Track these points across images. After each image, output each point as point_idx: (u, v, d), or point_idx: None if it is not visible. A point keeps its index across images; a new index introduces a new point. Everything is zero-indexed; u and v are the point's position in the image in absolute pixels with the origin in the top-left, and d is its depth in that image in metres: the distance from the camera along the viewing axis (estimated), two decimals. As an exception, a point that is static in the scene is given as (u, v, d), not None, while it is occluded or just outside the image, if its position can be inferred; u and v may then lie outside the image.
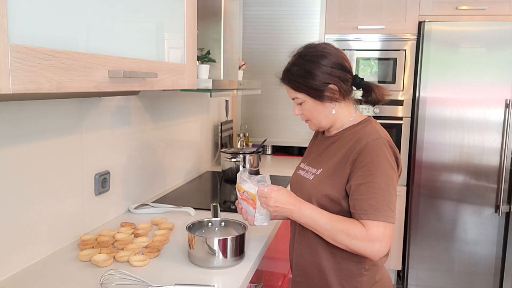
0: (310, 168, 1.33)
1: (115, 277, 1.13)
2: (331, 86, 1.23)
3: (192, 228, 1.33)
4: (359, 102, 1.33)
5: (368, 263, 1.23)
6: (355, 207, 1.17)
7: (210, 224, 1.39)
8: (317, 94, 1.24)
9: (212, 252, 1.22)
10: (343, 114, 1.30)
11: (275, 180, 2.35)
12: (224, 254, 1.23)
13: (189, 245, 1.26)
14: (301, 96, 1.26)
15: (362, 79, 1.30)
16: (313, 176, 1.29)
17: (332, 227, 1.16)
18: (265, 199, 1.21)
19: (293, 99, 1.30)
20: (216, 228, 1.39)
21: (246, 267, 1.25)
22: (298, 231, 1.33)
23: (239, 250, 1.27)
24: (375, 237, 1.12)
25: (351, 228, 1.14)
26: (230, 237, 1.25)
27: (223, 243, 1.23)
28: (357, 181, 1.17)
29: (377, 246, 1.12)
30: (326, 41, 1.32)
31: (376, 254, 1.14)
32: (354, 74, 1.29)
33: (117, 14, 1.03)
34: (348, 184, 1.19)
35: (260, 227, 1.56)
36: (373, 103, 1.31)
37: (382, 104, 1.34)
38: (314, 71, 1.23)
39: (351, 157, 1.20)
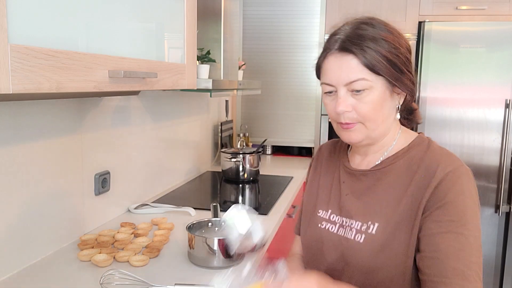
0: (348, 220, 0.91)
1: (115, 277, 1.13)
2: (410, 76, 0.89)
3: (192, 228, 1.33)
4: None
5: None
6: (427, 270, 0.79)
7: (210, 224, 1.39)
8: (399, 76, 0.86)
9: (212, 252, 1.22)
10: (394, 128, 0.93)
11: (275, 180, 2.36)
12: (224, 254, 1.23)
13: (189, 245, 1.26)
14: (372, 79, 0.85)
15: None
16: (363, 236, 0.87)
17: None
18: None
19: (349, 83, 0.86)
20: (216, 228, 1.39)
21: (247, 266, 1.25)
22: None
23: (240, 250, 1.27)
24: None
25: None
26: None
27: (223, 243, 1.22)
28: (431, 229, 0.80)
29: None
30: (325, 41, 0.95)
31: None
32: None
33: (117, 14, 1.03)
34: (418, 236, 0.82)
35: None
36: (412, 124, 1.01)
37: None
38: (399, 46, 0.87)
39: (424, 197, 0.83)
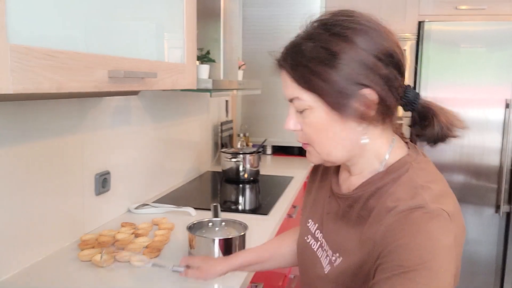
0: (325, 244, 0.83)
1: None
2: (366, 91, 0.70)
3: (193, 228, 1.33)
4: (410, 137, 0.80)
5: None
6: None
7: (210, 224, 1.39)
8: (339, 100, 0.70)
9: (213, 252, 1.22)
10: (375, 150, 0.76)
11: (275, 180, 2.35)
12: (225, 254, 1.23)
13: (190, 245, 1.26)
14: (308, 98, 0.72)
15: (418, 94, 0.78)
16: (329, 267, 0.79)
17: None
18: None
19: (290, 100, 0.76)
20: (217, 228, 1.39)
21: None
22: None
23: (240, 250, 1.27)
24: None
25: None
26: (231, 237, 1.25)
27: (223, 243, 1.22)
28: (376, 278, 0.66)
29: None
30: None
31: None
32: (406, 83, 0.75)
33: (117, 14, 1.03)
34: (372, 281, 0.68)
35: (260, 227, 1.56)
36: (433, 140, 0.78)
37: None
38: (343, 55, 0.69)
39: (376, 238, 0.69)
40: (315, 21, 0.76)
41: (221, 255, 1.22)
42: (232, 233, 1.35)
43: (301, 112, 0.74)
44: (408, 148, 0.79)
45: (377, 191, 0.73)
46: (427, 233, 0.64)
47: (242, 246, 1.28)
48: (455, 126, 0.77)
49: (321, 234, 0.85)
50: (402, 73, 0.74)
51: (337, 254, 0.78)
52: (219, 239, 1.22)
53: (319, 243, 0.85)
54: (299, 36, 0.75)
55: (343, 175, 0.84)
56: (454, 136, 0.76)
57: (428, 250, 0.62)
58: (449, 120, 0.77)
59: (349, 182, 0.81)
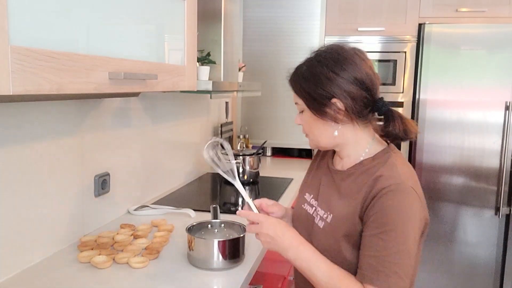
0: (318, 208, 1.12)
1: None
2: (334, 101, 1.02)
3: (192, 229, 1.33)
4: (377, 131, 1.10)
5: None
6: (359, 262, 0.97)
7: (209, 225, 1.39)
8: (316, 106, 1.04)
9: (212, 254, 1.22)
10: (354, 141, 1.07)
11: (275, 182, 2.35)
12: (224, 255, 1.23)
13: (189, 247, 1.26)
14: (300, 103, 1.09)
15: (386, 104, 1.06)
16: (323, 223, 1.08)
17: (329, 283, 0.97)
18: (257, 226, 1.05)
19: (296, 103, 1.12)
20: (216, 230, 1.39)
21: (246, 268, 1.25)
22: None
23: (239, 251, 1.27)
24: None
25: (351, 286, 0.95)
26: (230, 238, 1.25)
27: (222, 245, 1.22)
28: (365, 232, 0.97)
29: None
30: (325, 43, 1.09)
31: None
32: (379, 97, 1.06)
33: (117, 15, 1.03)
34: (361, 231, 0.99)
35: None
36: (392, 137, 1.05)
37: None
38: (321, 76, 1.02)
39: (364, 204, 0.98)
40: (314, 51, 1.08)
41: (220, 257, 1.22)
42: (231, 235, 1.35)
43: (301, 112, 1.11)
44: (388, 145, 1.09)
45: (367, 171, 1.03)
46: (403, 203, 0.94)
47: (242, 247, 1.28)
48: (410, 131, 1.03)
49: (316, 201, 1.14)
50: (371, 91, 1.03)
51: (328, 213, 1.07)
52: (218, 241, 1.22)
53: (314, 208, 1.14)
54: (302, 61, 1.09)
55: (337, 158, 1.15)
56: (409, 139, 1.04)
57: (402, 216, 0.93)
58: (403, 126, 1.03)
59: (342, 163, 1.12)
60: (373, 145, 1.07)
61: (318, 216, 1.11)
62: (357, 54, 1.04)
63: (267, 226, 1.04)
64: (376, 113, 1.07)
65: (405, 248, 0.93)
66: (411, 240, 0.94)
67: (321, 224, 1.08)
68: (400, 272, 0.92)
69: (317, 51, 1.08)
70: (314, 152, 1.34)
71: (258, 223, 1.05)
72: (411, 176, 1.01)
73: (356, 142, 1.07)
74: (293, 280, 1.31)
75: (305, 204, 1.18)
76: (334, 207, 1.07)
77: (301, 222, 1.17)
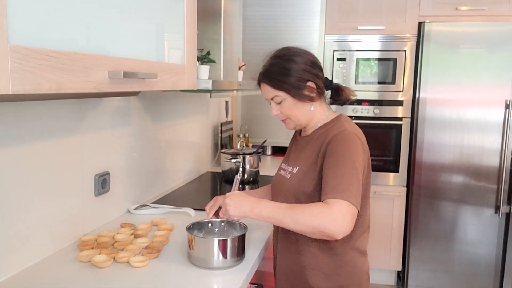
0: (288, 167, 1.38)
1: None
2: (309, 83, 1.28)
3: (192, 228, 1.33)
4: (330, 102, 1.41)
5: (345, 255, 1.29)
6: (322, 191, 1.20)
7: (210, 224, 1.39)
8: (297, 91, 1.28)
9: (212, 253, 1.22)
10: (318, 112, 1.35)
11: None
12: (224, 255, 1.23)
13: (189, 246, 1.26)
14: (281, 94, 1.29)
15: (331, 80, 1.39)
16: (290, 174, 1.35)
17: (294, 211, 1.16)
18: (225, 210, 1.24)
19: (272, 98, 1.32)
20: (216, 229, 1.39)
21: (246, 267, 1.25)
22: (280, 234, 1.39)
23: (239, 250, 1.27)
24: (336, 211, 1.12)
25: (313, 207, 1.15)
26: (230, 237, 1.25)
27: (223, 244, 1.22)
28: (324, 168, 1.23)
29: (339, 222, 1.11)
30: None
31: (338, 231, 1.11)
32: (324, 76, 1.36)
33: (117, 15, 1.03)
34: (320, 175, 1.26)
35: (259, 227, 1.57)
36: (342, 103, 1.39)
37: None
38: (292, 68, 1.28)
39: (321, 151, 1.27)
40: (273, 55, 1.34)
41: (220, 256, 1.22)
42: (231, 234, 1.35)
43: (279, 103, 1.32)
44: (340, 114, 1.38)
45: (326, 130, 1.32)
46: (349, 143, 1.24)
47: (242, 246, 1.28)
48: (352, 95, 1.39)
49: (286, 165, 1.41)
50: (322, 71, 1.34)
51: (295, 166, 1.35)
52: (218, 240, 1.22)
53: (285, 170, 1.40)
54: (266, 65, 1.34)
55: (302, 132, 1.43)
56: (351, 100, 1.39)
57: (349, 151, 1.22)
58: (348, 93, 1.38)
59: (306, 133, 1.40)
60: (328, 115, 1.37)
61: (286, 171, 1.38)
62: (299, 48, 1.33)
63: (229, 197, 1.24)
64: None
65: (354, 173, 1.19)
66: (358, 169, 1.21)
67: (288, 175, 1.36)
68: (353, 190, 1.16)
69: (273, 55, 1.33)
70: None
71: (225, 208, 1.24)
72: (356, 130, 1.30)
73: (319, 114, 1.36)
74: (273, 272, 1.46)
75: (281, 170, 1.43)
76: (300, 160, 1.35)
77: (276, 185, 1.41)
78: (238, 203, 1.22)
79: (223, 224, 1.40)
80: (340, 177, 1.17)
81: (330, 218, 1.11)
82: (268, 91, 1.32)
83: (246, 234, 1.30)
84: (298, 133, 1.46)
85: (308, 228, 1.14)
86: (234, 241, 1.25)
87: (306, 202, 1.23)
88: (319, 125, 1.36)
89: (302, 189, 1.28)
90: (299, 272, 1.32)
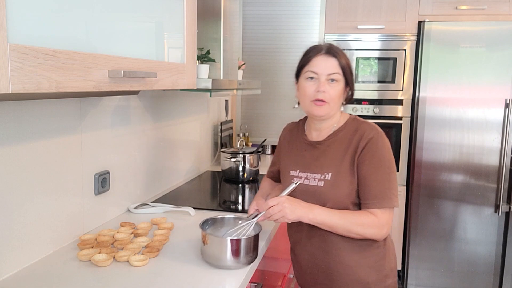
0: (311, 174, 1.35)
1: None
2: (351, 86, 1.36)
3: (206, 223, 1.33)
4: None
5: (380, 244, 1.36)
6: (363, 197, 1.28)
7: (225, 220, 1.39)
8: (350, 83, 1.34)
9: (225, 250, 1.21)
10: (338, 113, 1.38)
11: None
12: (235, 254, 1.22)
13: (203, 241, 1.25)
14: (341, 77, 1.31)
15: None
16: (323, 182, 1.32)
17: (347, 221, 1.25)
18: (280, 210, 1.24)
19: (330, 74, 1.30)
20: (230, 226, 1.37)
21: (246, 267, 1.25)
22: (307, 234, 1.39)
23: (253, 251, 1.26)
24: (384, 222, 1.26)
25: (364, 218, 1.26)
26: (244, 237, 1.24)
27: (236, 244, 1.22)
28: (363, 173, 1.27)
29: (385, 230, 1.28)
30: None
31: (383, 236, 1.30)
32: None
33: (116, 14, 1.03)
34: (358, 175, 1.29)
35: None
36: (346, 102, 1.42)
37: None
38: (352, 66, 1.36)
39: (357, 153, 1.29)
40: (326, 42, 1.36)
41: (231, 255, 1.22)
42: (245, 232, 1.32)
43: (331, 82, 1.30)
44: (350, 114, 1.41)
45: (352, 131, 1.33)
46: (384, 147, 1.29)
47: (255, 246, 1.27)
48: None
49: (304, 172, 1.37)
50: None
51: (325, 173, 1.33)
52: (231, 239, 1.21)
53: (308, 178, 1.36)
54: (334, 45, 1.34)
55: (312, 134, 1.41)
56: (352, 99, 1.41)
57: (387, 154, 1.29)
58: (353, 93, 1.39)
59: (321, 136, 1.38)
60: (340, 118, 1.38)
61: (315, 179, 1.34)
62: None
63: (287, 201, 1.24)
64: None
65: (393, 176, 1.28)
66: (394, 170, 1.30)
67: (321, 183, 1.33)
68: (395, 193, 1.27)
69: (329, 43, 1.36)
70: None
71: (275, 205, 1.24)
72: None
73: (337, 114, 1.37)
74: (293, 278, 1.40)
75: (294, 178, 1.39)
76: (327, 166, 1.33)
77: (305, 195, 1.34)
78: (294, 207, 1.24)
79: (237, 219, 1.39)
80: (383, 182, 1.26)
81: (378, 229, 1.26)
82: (334, 65, 1.30)
83: (259, 233, 1.29)
84: (300, 134, 1.45)
85: (356, 235, 1.27)
86: (248, 241, 1.24)
87: (346, 204, 1.29)
88: (336, 126, 1.36)
89: (344, 194, 1.29)
90: (348, 272, 1.33)
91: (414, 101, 2.90)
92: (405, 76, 2.92)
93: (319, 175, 1.34)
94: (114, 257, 1.27)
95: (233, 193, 2.16)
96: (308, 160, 1.38)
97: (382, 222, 1.26)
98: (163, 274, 1.19)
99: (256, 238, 1.27)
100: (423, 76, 2.81)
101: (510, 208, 2.79)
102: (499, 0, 2.78)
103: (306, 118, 1.48)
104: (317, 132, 1.39)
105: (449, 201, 2.86)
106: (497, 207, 2.81)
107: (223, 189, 2.21)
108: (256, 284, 1.39)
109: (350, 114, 1.41)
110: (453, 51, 2.74)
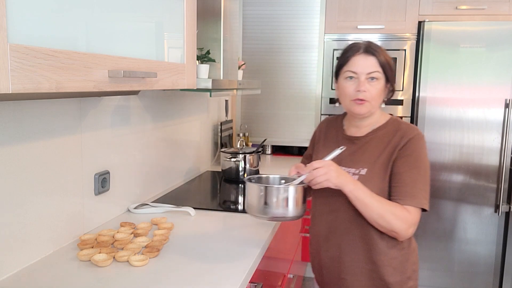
0: (346, 168, 1.35)
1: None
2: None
3: (251, 180, 1.36)
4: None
5: (405, 242, 1.37)
6: (396, 193, 1.28)
7: (269, 180, 1.42)
8: (393, 77, 1.35)
9: (278, 201, 1.26)
10: (379, 111, 1.39)
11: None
12: (298, 202, 1.27)
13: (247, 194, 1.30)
14: (381, 75, 1.31)
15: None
16: (357, 176, 1.32)
17: (383, 206, 1.25)
18: (325, 173, 1.22)
19: (370, 73, 1.31)
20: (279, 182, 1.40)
21: (246, 266, 1.25)
22: (345, 236, 1.37)
23: (298, 203, 1.28)
24: (414, 221, 1.27)
25: (398, 211, 1.25)
26: (292, 186, 1.26)
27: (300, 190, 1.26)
28: (399, 169, 1.29)
29: (411, 229, 1.28)
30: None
31: (406, 236, 1.28)
32: None
33: (116, 13, 1.03)
34: (391, 172, 1.30)
35: (260, 226, 1.57)
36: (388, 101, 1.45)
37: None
38: (391, 61, 1.36)
39: (396, 149, 1.30)
40: (365, 41, 1.37)
41: (299, 203, 1.28)
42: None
43: (371, 80, 1.31)
44: (391, 115, 1.43)
45: (392, 130, 1.35)
46: (421, 148, 1.32)
47: (302, 197, 1.30)
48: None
49: (340, 166, 1.30)
50: None
51: (361, 168, 1.33)
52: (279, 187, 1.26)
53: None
54: (373, 43, 1.35)
55: (351, 130, 1.43)
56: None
57: (424, 155, 1.32)
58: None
59: (360, 132, 1.40)
60: (380, 116, 1.40)
61: (349, 173, 1.31)
62: None
63: (329, 165, 1.23)
64: None
65: (427, 178, 1.29)
66: (428, 174, 1.30)
67: (355, 177, 1.31)
68: (426, 195, 1.28)
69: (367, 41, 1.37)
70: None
71: (321, 167, 1.23)
72: None
73: (378, 112, 1.39)
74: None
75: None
76: (365, 162, 1.34)
77: (335, 189, 1.29)
78: (339, 173, 1.24)
79: (282, 181, 1.40)
80: (417, 181, 1.27)
81: (407, 225, 1.25)
82: (373, 64, 1.31)
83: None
84: (339, 129, 1.45)
85: (384, 224, 1.25)
86: (298, 189, 1.27)
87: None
88: (375, 126, 1.38)
89: (376, 190, 1.28)
90: (372, 271, 1.35)
91: (414, 101, 2.90)
92: (405, 76, 2.92)
93: (354, 169, 1.34)
94: (114, 257, 1.27)
95: (233, 193, 2.16)
96: (344, 154, 1.36)
97: (412, 220, 1.25)
98: (163, 274, 1.19)
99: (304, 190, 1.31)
100: (423, 76, 2.81)
101: (510, 208, 2.79)
102: (499, 0, 2.79)
103: (345, 113, 1.48)
104: (356, 129, 1.41)
105: (449, 201, 2.86)
106: (497, 207, 2.81)
107: (223, 189, 2.21)
108: (256, 284, 1.39)
109: (391, 114, 1.43)
110: (453, 51, 2.75)
